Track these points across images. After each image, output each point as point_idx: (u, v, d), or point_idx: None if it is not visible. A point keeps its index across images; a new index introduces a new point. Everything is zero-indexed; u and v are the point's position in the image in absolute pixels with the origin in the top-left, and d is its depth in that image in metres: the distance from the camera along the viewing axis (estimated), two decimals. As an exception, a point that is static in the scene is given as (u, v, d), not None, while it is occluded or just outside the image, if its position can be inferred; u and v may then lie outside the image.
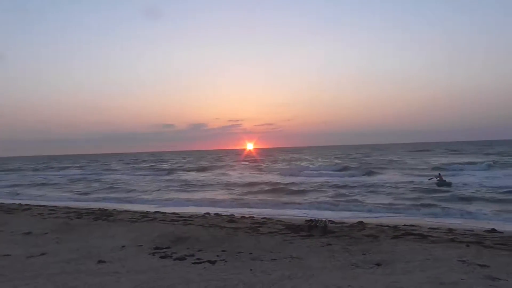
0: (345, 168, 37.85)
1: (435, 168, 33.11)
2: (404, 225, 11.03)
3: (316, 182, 26.81)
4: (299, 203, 17.58)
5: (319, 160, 59.34)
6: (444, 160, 45.94)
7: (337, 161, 53.90)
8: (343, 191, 21.51)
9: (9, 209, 15.39)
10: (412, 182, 24.23)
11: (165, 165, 59.63)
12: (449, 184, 21.32)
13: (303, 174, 35.09)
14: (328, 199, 18.81)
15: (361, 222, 11.37)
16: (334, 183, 25.54)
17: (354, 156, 66.00)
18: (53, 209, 15.42)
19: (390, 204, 16.41)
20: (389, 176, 29.53)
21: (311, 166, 45.42)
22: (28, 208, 16.07)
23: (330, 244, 7.85)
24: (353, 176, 31.28)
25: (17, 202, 20.07)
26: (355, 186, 23.23)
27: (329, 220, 11.04)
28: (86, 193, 25.83)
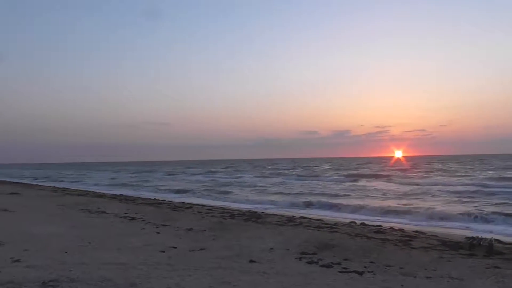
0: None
1: None
2: None
3: (483, 195, 23.85)
4: (458, 218, 15.85)
5: (486, 171, 52.48)
6: None
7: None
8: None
9: (175, 207, 17.50)
10: None
11: (309, 171, 60.49)
12: None
13: (467, 185, 31.23)
14: (496, 212, 16.51)
15: (538, 245, 9.64)
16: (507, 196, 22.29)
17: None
18: (210, 209, 16.98)
19: None
20: None
21: (476, 176, 40.62)
22: (189, 206, 18.04)
23: (497, 267, 6.85)
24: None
25: (181, 200, 22.70)
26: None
27: (496, 239, 9.65)
28: (235, 195, 27.82)
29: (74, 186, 39.16)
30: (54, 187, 35.83)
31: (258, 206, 21.47)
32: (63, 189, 31.27)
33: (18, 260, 6.37)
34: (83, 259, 6.76)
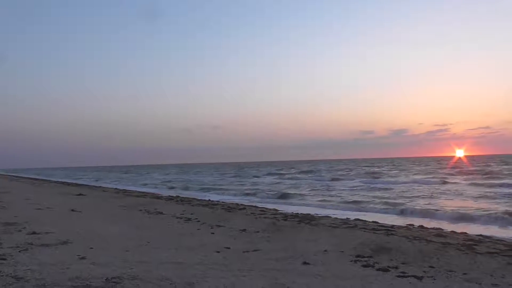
0: None
1: None
2: None
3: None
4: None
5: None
6: None
7: None
8: None
9: (229, 208, 17.76)
10: None
11: (373, 172, 59.05)
12: None
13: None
14: None
15: None
16: None
17: None
18: (263, 210, 17.07)
19: None
20: None
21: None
22: (243, 208, 18.24)
23: None
24: None
25: (235, 201, 23.02)
26: None
27: None
28: (288, 198, 27.75)
29: (133, 188, 40.95)
30: (116, 188, 37.67)
31: (311, 208, 21.27)
32: (124, 191, 32.82)
33: (84, 258, 6.78)
34: (143, 257, 7.06)
